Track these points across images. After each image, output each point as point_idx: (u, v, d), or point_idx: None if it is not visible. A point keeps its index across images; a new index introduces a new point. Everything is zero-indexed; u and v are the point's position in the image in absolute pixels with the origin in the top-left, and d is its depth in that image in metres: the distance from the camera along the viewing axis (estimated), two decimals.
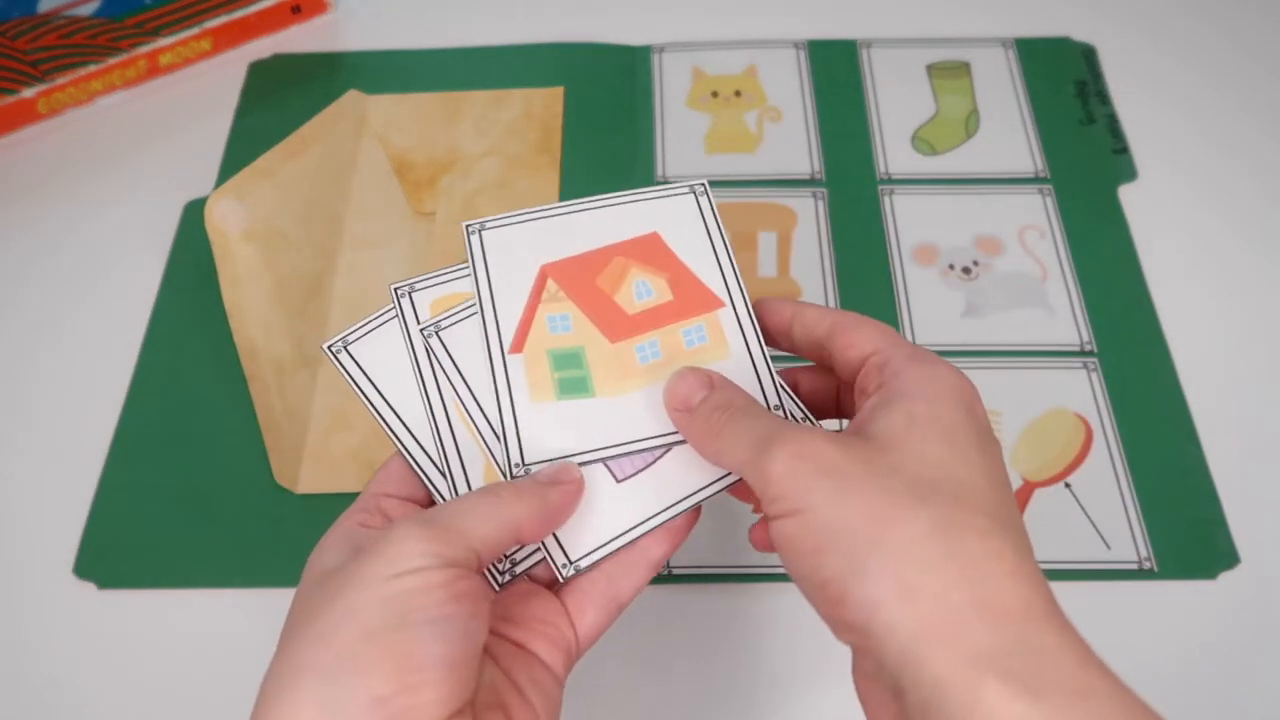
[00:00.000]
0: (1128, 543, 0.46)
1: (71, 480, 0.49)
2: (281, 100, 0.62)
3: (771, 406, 0.34)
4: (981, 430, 0.29)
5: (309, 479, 0.48)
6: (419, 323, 0.36)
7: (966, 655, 0.24)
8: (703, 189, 0.38)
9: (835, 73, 0.63)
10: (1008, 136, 0.60)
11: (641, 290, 0.37)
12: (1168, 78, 0.62)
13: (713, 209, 0.38)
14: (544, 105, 0.61)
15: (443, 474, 0.35)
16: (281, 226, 0.51)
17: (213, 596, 0.46)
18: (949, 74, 0.63)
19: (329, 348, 0.36)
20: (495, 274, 0.37)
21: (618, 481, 0.34)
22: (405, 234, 0.56)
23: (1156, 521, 0.46)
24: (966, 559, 0.26)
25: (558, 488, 0.32)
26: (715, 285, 0.37)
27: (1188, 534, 0.46)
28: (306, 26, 0.66)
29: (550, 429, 0.34)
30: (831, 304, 0.53)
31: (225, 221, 0.49)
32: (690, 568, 0.46)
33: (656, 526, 0.33)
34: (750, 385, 0.34)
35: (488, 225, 0.38)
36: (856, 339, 0.32)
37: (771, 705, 0.43)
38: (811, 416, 0.35)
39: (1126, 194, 0.57)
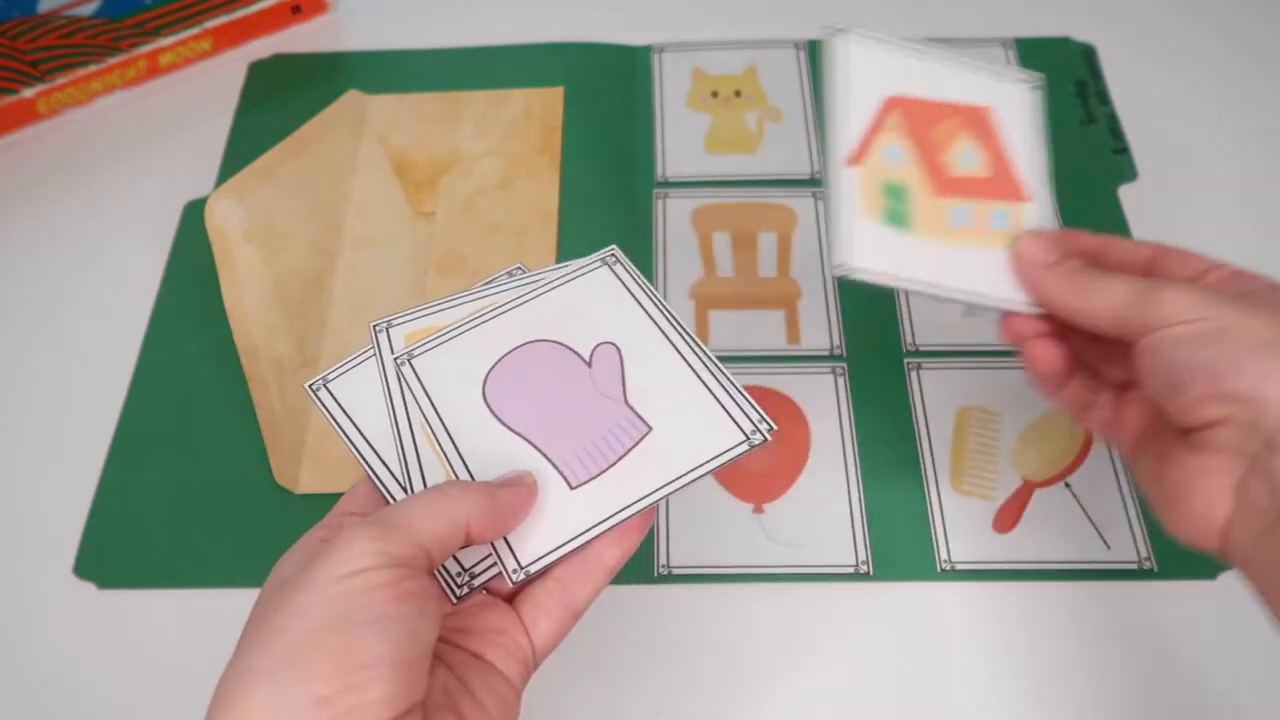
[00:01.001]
0: (1128, 543, 0.46)
1: (71, 480, 0.49)
2: (281, 100, 0.62)
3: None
4: None
5: (309, 479, 0.48)
6: (394, 353, 0.37)
7: None
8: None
9: None
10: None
11: (967, 157, 0.40)
12: (1168, 78, 0.62)
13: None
14: (544, 105, 0.61)
15: (406, 493, 0.35)
16: (281, 226, 0.51)
17: (213, 596, 0.46)
18: None
19: (310, 386, 0.37)
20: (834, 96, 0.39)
21: (571, 488, 0.34)
22: (405, 234, 0.56)
23: (1157, 521, 0.46)
24: None
25: (508, 489, 0.33)
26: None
27: None
28: (306, 26, 0.66)
29: (875, 248, 0.37)
30: (832, 305, 0.53)
31: (225, 221, 0.49)
32: (690, 567, 0.46)
33: (607, 529, 0.33)
34: None
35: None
36: (1189, 258, 0.36)
37: (772, 704, 0.43)
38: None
39: (1126, 194, 0.57)
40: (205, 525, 0.48)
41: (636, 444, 0.35)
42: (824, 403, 0.50)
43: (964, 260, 0.38)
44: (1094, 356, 0.39)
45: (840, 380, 0.51)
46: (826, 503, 0.47)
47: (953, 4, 0.66)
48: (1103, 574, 0.45)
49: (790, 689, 0.43)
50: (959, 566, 0.45)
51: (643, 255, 0.55)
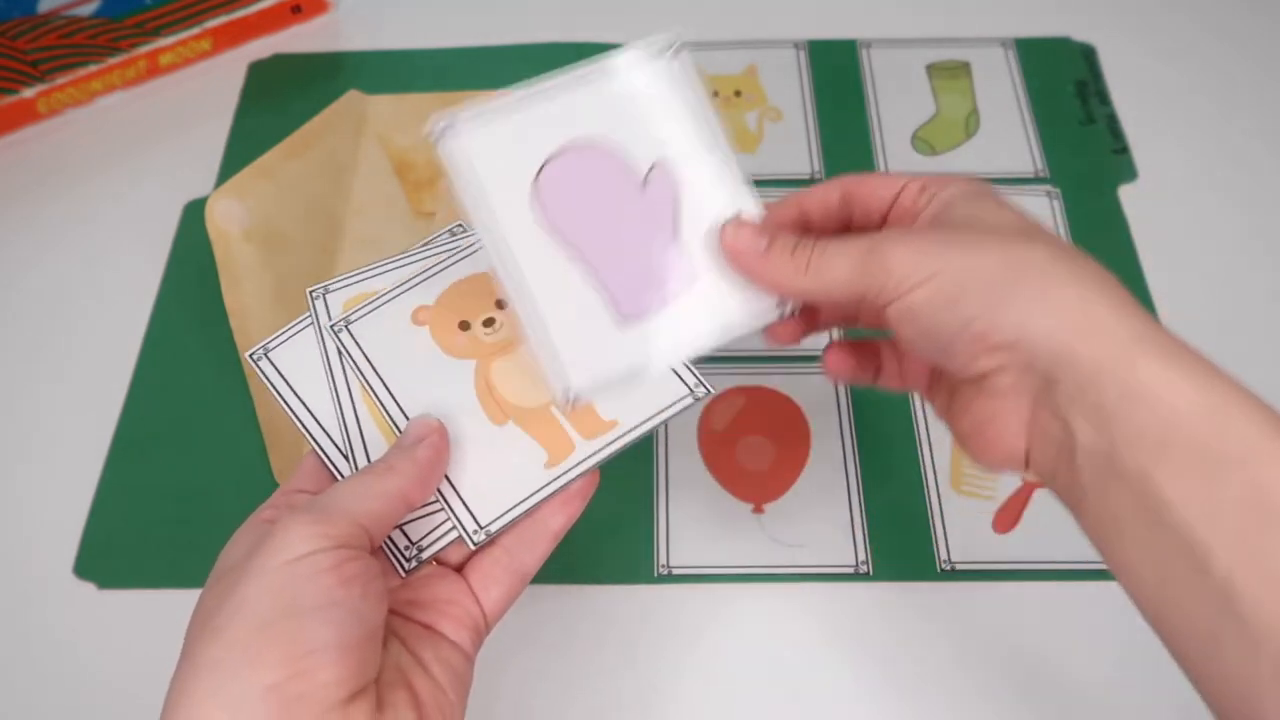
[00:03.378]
0: None
1: (71, 480, 0.49)
2: (281, 100, 0.62)
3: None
4: (1017, 205, 0.34)
5: None
6: (330, 320, 0.38)
7: (1121, 340, 0.29)
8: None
9: (835, 73, 0.63)
10: (1008, 136, 0.60)
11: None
12: (1168, 78, 0.62)
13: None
14: None
15: (350, 464, 0.36)
16: (281, 226, 0.51)
17: None
18: (949, 74, 0.63)
19: (251, 355, 0.38)
20: None
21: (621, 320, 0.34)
22: (405, 234, 0.56)
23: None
24: (1090, 277, 0.30)
25: (422, 444, 0.33)
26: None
27: None
28: (306, 26, 0.66)
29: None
30: None
31: (225, 221, 0.49)
32: (690, 567, 0.46)
33: (559, 489, 0.34)
34: None
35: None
36: (874, 183, 0.36)
37: (772, 704, 0.43)
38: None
39: (1126, 194, 0.57)
40: (205, 525, 0.47)
41: None
42: (824, 403, 0.50)
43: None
44: (858, 316, 0.38)
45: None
46: (826, 503, 0.47)
47: (953, 4, 0.66)
48: (1103, 574, 0.45)
49: (790, 689, 0.43)
50: (959, 566, 0.45)
51: None
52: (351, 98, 0.59)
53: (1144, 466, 0.28)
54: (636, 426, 0.35)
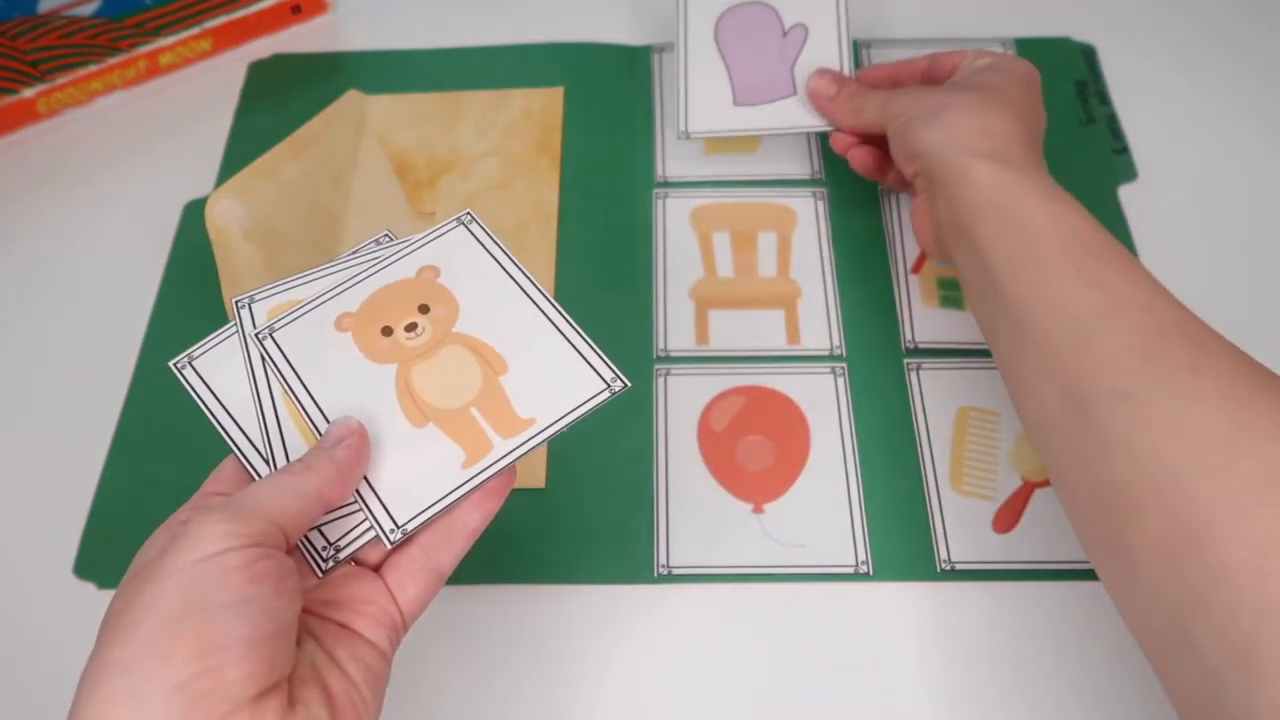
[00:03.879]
0: None
1: (71, 480, 0.49)
2: (281, 100, 0.62)
3: None
4: (1030, 90, 0.49)
5: None
6: (255, 328, 0.38)
7: (973, 150, 0.43)
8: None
9: None
10: None
11: None
12: (1167, 78, 0.62)
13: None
14: (544, 105, 0.61)
15: (271, 467, 0.36)
16: (281, 226, 0.51)
17: None
18: None
19: (175, 364, 0.38)
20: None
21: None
22: (405, 234, 0.56)
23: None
24: (989, 117, 0.44)
25: (342, 445, 0.34)
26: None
27: None
28: (306, 26, 0.66)
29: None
30: (832, 305, 0.53)
31: (225, 221, 0.49)
32: (690, 567, 0.46)
33: (475, 488, 0.34)
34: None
35: None
36: (947, 58, 0.52)
37: (772, 704, 0.43)
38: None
39: (1126, 194, 0.57)
40: None
41: None
42: (824, 403, 0.50)
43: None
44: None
45: (840, 380, 0.51)
46: (826, 503, 0.47)
47: (953, 4, 0.66)
48: None
49: (790, 689, 0.43)
50: (959, 566, 0.45)
51: (643, 255, 0.55)
52: (351, 98, 0.59)
53: (969, 227, 0.41)
54: (553, 423, 0.35)
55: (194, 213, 0.57)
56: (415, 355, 0.37)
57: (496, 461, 0.35)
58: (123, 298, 0.55)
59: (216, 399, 0.37)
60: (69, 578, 0.46)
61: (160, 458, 0.49)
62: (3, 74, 0.59)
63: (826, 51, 0.55)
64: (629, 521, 0.47)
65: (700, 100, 0.55)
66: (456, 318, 0.38)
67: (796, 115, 0.54)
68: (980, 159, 0.42)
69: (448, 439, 0.35)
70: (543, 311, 0.37)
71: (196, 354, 0.38)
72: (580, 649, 0.44)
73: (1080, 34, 0.64)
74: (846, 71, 0.54)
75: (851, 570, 0.45)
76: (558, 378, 0.36)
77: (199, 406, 0.37)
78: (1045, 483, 0.48)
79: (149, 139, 0.61)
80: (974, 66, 0.50)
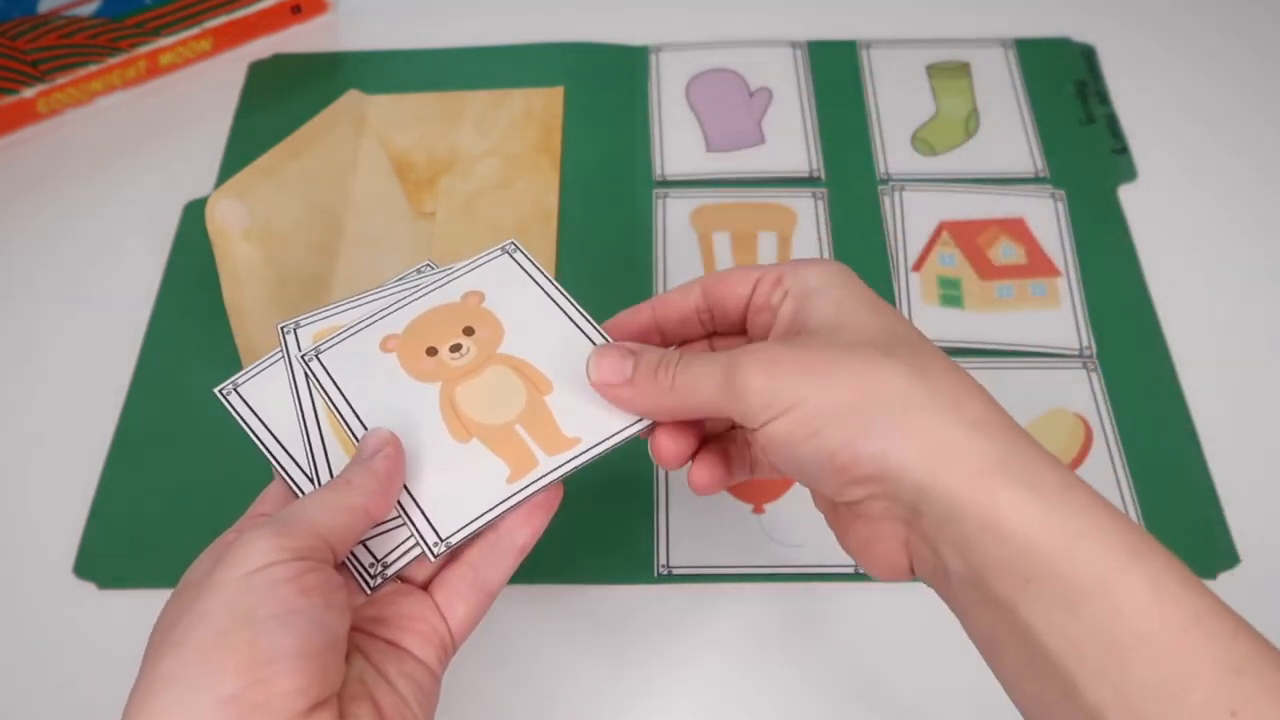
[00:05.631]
0: None
1: (71, 480, 0.49)
2: (281, 100, 0.62)
3: None
4: (877, 295, 0.34)
5: None
6: (300, 351, 0.38)
7: (979, 469, 0.28)
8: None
9: (835, 73, 0.63)
10: (1007, 137, 0.60)
11: (1006, 252, 0.54)
12: (1167, 77, 0.62)
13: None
14: (544, 105, 0.61)
15: (315, 486, 0.36)
16: (281, 226, 0.51)
17: None
18: (949, 74, 0.63)
19: (220, 391, 0.38)
20: None
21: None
22: (405, 234, 0.56)
23: (1156, 521, 0.46)
24: (947, 396, 0.30)
25: (378, 455, 0.33)
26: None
27: (1187, 534, 0.46)
28: (306, 26, 0.66)
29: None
30: None
31: (225, 221, 0.49)
32: (690, 567, 0.46)
33: (519, 503, 0.34)
34: None
35: None
36: (732, 280, 0.36)
37: (772, 704, 0.43)
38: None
39: (1126, 194, 0.57)
40: (205, 525, 0.47)
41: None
42: None
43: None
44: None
45: None
46: None
47: (953, 4, 0.66)
48: None
49: (790, 689, 0.43)
50: None
51: (643, 255, 0.55)
52: (351, 98, 0.59)
53: (1010, 596, 0.28)
54: (600, 443, 0.35)
55: (194, 213, 0.57)
56: (460, 374, 0.37)
57: (542, 477, 0.34)
58: (122, 298, 0.55)
59: (261, 422, 0.37)
60: (69, 578, 0.46)
61: (160, 458, 0.49)
62: (3, 74, 0.59)
63: (789, 110, 0.59)
64: (629, 521, 0.47)
65: (675, 148, 0.58)
66: (501, 340, 0.38)
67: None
68: (1002, 484, 0.28)
69: (492, 454, 0.35)
70: (588, 336, 0.37)
71: (241, 380, 0.38)
72: (580, 648, 0.44)
73: (1080, 34, 0.64)
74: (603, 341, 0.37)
75: (851, 570, 0.45)
76: (601, 403, 0.35)
77: (244, 431, 0.37)
78: None
79: (149, 139, 0.61)
80: (805, 293, 0.33)
